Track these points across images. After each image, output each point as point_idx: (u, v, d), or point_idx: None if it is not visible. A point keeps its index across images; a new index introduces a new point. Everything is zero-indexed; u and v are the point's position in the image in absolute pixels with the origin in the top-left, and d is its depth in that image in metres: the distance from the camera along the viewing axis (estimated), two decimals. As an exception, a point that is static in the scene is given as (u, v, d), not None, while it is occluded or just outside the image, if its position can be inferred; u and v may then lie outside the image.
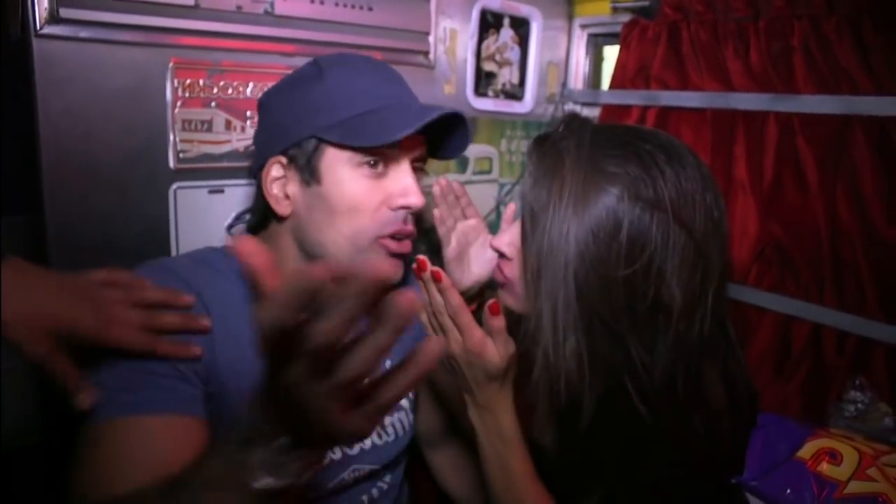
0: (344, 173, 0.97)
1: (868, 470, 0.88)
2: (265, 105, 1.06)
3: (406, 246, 1.02)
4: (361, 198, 0.97)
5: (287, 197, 1.00)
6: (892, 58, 1.20)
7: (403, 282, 1.19)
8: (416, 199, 0.99)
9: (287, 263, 1.03)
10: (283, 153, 0.99)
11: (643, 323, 0.80)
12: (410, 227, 1.02)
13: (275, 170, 1.00)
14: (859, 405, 1.20)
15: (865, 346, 1.27)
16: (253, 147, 1.26)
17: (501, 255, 0.95)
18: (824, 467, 0.90)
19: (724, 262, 0.84)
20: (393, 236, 1.00)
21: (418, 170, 1.04)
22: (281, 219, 1.02)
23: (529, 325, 0.87)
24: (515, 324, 0.93)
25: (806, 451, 0.93)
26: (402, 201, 0.98)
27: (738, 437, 0.91)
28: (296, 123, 0.99)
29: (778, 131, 1.35)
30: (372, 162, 0.97)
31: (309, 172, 0.98)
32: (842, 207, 1.28)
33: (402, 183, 0.99)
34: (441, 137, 1.05)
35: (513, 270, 0.94)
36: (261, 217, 1.07)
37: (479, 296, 1.23)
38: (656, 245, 0.78)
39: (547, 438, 0.91)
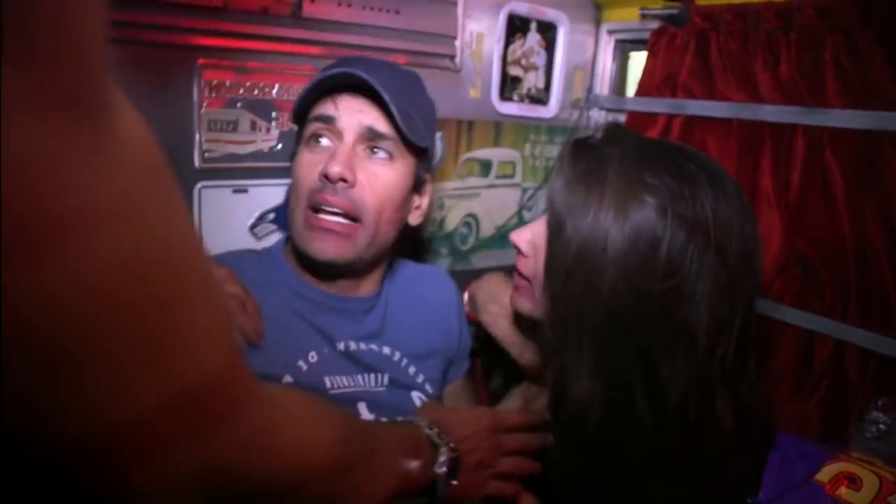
0: (300, 150, 1.06)
1: (889, 497, 0.87)
2: None
3: (346, 228, 1.02)
4: (301, 170, 1.04)
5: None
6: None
7: (389, 270, 1.20)
8: (331, 167, 0.99)
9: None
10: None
11: (668, 342, 0.79)
12: (339, 202, 1.00)
13: None
14: (881, 426, 1.19)
15: (890, 366, 1.25)
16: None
17: (518, 251, 0.96)
18: (843, 492, 0.89)
19: (753, 295, 0.83)
20: (322, 209, 1.01)
21: (372, 149, 1.04)
22: None
23: (547, 326, 0.87)
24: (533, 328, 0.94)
25: (824, 475, 0.91)
26: (323, 168, 1.00)
27: (745, 463, 0.89)
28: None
29: (806, 145, 1.33)
30: (315, 135, 1.03)
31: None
32: (869, 224, 1.26)
33: (330, 152, 1.02)
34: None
35: (529, 268, 0.94)
36: None
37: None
38: (691, 263, 0.78)
39: (556, 449, 0.91)
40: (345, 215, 1.02)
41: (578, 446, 0.86)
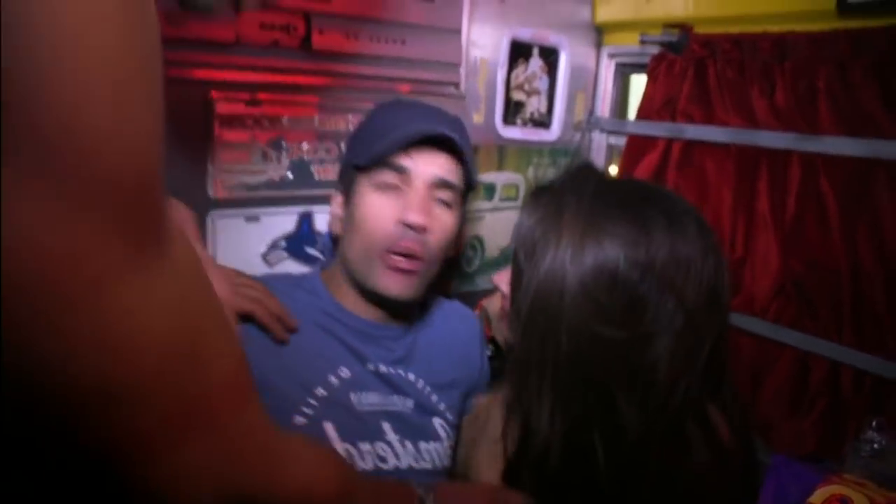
0: (365, 192, 1.10)
1: (878, 520, 0.90)
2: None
3: (413, 265, 1.10)
4: (374, 212, 1.09)
5: (340, 219, 1.17)
6: (917, 104, 1.21)
7: (421, 305, 1.25)
8: (412, 217, 1.06)
9: (339, 278, 1.17)
10: (341, 182, 1.19)
11: (627, 383, 0.80)
12: (415, 246, 1.09)
13: (338, 197, 1.20)
14: (875, 445, 1.22)
15: (884, 385, 1.29)
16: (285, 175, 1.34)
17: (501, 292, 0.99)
18: (834, 514, 0.92)
19: (720, 333, 0.83)
20: (398, 252, 1.08)
21: (438, 197, 1.11)
22: (337, 240, 1.18)
23: (512, 366, 0.89)
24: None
25: (817, 497, 0.95)
26: (400, 216, 1.07)
27: (727, 497, 0.90)
28: (346, 157, 1.16)
29: (801, 170, 1.37)
30: (386, 181, 1.08)
31: (347, 196, 1.13)
32: (863, 248, 1.29)
33: (407, 201, 1.08)
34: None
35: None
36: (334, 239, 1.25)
37: None
38: (646, 308, 0.79)
39: (524, 486, 0.92)
40: (412, 255, 1.09)
41: (543, 484, 0.87)
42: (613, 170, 1.83)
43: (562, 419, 0.83)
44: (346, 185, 1.15)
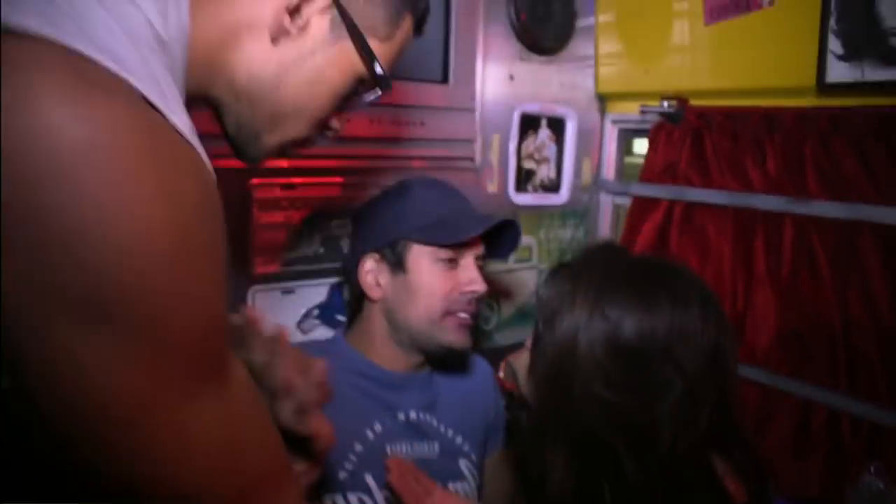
0: (424, 266, 1.25)
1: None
2: (360, 216, 1.36)
3: (473, 322, 1.29)
4: (437, 284, 1.24)
5: (378, 284, 1.27)
6: (894, 172, 1.32)
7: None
8: (480, 287, 1.26)
9: (377, 336, 1.29)
10: (376, 251, 1.27)
11: (630, 442, 0.90)
12: (475, 308, 1.28)
13: (368, 264, 1.28)
14: (873, 490, 1.30)
15: (880, 431, 1.37)
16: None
17: None
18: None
19: (722, 393, 0.94)
20: (460, 314, 1.25)
21: (479, 265, 1.30)
22: (373, 302, 1.29)
23: (529, 422, 1.01)
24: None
25: (813, 543, 1.03)
26: (469, 288, 1.25)
27: None
28: (387, 228, 1.27)
29: (794, 231, 1.48)
30: (446, 257, 1.24)
31: (398, 265, 1.25)
32: (853, 304, 1.39)
33: (469, 274, 1.26)
34: (497, 240, 1.33)
35: None
36: (357, 302, 1.34)
37: None
38: (646, 375, 0.90)
39: None
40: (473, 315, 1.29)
41: None
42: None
43: (575, 468, 0.94)
44: (391, 254, 1.26)
